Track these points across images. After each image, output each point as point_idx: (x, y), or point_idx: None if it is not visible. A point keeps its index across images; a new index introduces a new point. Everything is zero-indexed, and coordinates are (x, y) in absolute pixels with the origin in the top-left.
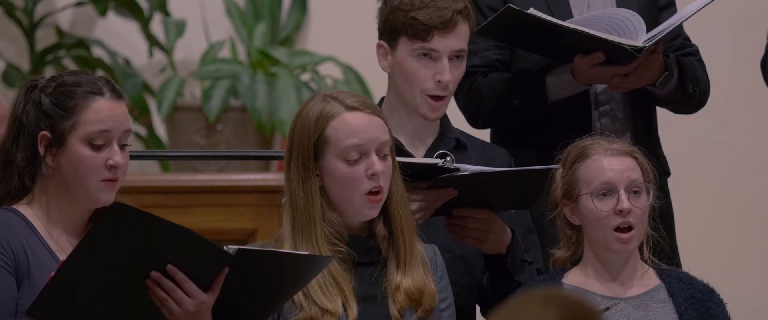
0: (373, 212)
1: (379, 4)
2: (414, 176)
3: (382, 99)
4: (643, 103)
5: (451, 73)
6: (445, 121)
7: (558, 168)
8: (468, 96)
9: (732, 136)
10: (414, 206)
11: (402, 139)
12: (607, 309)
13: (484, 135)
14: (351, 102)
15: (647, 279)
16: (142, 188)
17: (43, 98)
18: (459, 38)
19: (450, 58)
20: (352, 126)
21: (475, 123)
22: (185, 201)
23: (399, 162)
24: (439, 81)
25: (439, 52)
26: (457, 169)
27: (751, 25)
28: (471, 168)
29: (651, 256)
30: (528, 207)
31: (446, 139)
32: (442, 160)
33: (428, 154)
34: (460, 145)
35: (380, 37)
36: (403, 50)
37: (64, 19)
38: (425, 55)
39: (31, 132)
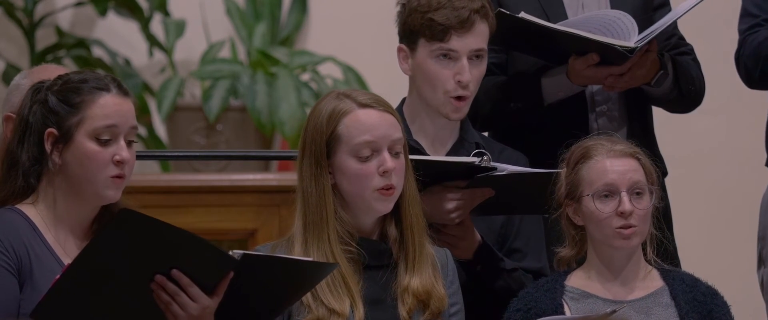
0: (386, 206)
1: (398, 8)
2: (450, 175)
3: (403, 101)
4: (639, 103)
5: (470, 73)
6: (465, 124)
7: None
8: None
9: (732, 136)
10: (451, 205)
11: (423, 142)
12: (614, 312)
13: None
14: (363, 99)
15: (650, 281)
16: (142, 188)
17: (49, 96)
18: (477, 37)
19: (469, 58)
20: (364, 123)
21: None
22: (185, 201)
23: (435, 161)
24: (459, 81)
25: (458, 52)
26: (495, 169)
27: None
28: (509, 168)
29: (654, 257)
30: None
31: (466, 142)
32: (480, 159)
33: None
34: (480, 149)
35: (400, 41)
36: (423, 52)
37: (64, 19)
38: (444, 55)
39: (38, 130)
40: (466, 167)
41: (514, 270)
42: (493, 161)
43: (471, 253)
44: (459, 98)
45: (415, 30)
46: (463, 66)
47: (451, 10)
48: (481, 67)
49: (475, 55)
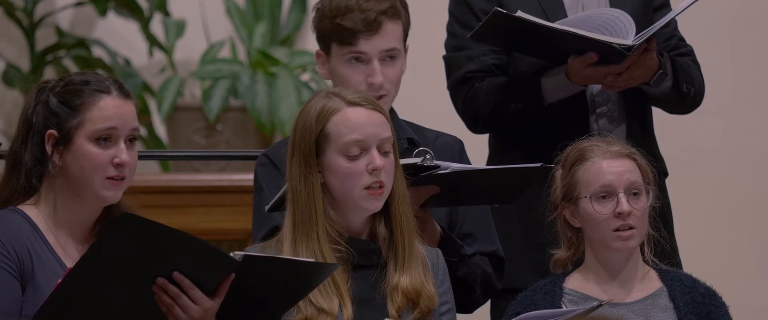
0: (375, 205)
1: (313, 13)
2: None
3: None
4: (639, 103)
5: (383, 74)
6: (395, 120)
7: (539, 166)
8: (466, 102)
9: (732, 136)
10: None
11: None
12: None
13: (483, 139)
14: (352, 98)
15: (648, 282)
16: (142, 188)
17: (51, 98)
18: (387, 38)
19: (382, 59)
20: (353, 121)
21: (474, 128)
22: (185, 201)
23: None
24: (371, 83)
25: (368, 54)
26: (438, 167)
27: (750, 25)
28: (452, 166)
29: (652, 257)
30: (511, 202)
31: (399, 140)
32: (422, 158)
33: None
34: (413, 144)
35: (318, 45)
36: (335, 56)
37: (64, 19)
38: (356, 59)
39: (40, 131)
40: (411, 167)
41: (473, 254)
42: (429, 146)
43: (435, 244)
44: (376, 97)
45: (327, 35)
46: (374, 68)
47: (358, 13)
48: (396, 66)
49: (387, 56)
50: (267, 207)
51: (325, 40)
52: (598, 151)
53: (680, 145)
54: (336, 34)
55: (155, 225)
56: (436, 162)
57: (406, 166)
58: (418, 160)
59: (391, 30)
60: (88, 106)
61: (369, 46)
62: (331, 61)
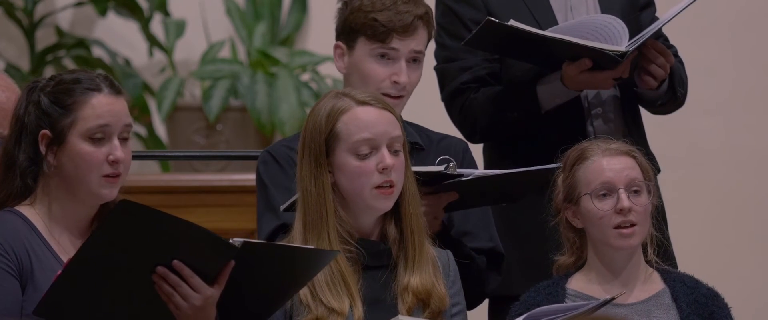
0: (385, 205)
1: (339, 5)
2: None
3: None
4: (631, 103)
5: (408, 75)
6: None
7: (557, 166)
8: (462, 114)
9: (733, 136)
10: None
11: None
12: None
13: (479, 146)
14: (362, 97)
15: (651, 283)
16: (142, 188)
17: (42, 98)
18: (418, 41)
19: (408, 60)
20: (363, 120)
21: (471, 138)
22: (185, 201)
23: None
24: (395, 82)
25: (399, 51)
26: (461, 175)
27: (751, 25)
28: (474, 173)
29: (655, 258)
30: (518, 201)
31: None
32: (445, 166)
33: None
34: (417, 147)
35: (337, 38)
36: (362, 51)
37: (64, 19)
38: (383, 55)
39: (33, 132)
40: (434, 175)
41: (474, 258)
42: (433, 152)
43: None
44: (394, 96)
45: (356, 28)
46: (401, 67)
47: (395, 13)
48: (418, 71)
49: (414, 58)
50: (283, 207)
51: (352, 32)
52: (598, 150)
53: (680, 145)
54: (369, 28)
55: (154, 212)
56: (459, 170)
57: (428, 174)
58: (441, 168)
59: (421, 35)
60: (79, 104)
61: (401, 44)
62: (353, 55)
